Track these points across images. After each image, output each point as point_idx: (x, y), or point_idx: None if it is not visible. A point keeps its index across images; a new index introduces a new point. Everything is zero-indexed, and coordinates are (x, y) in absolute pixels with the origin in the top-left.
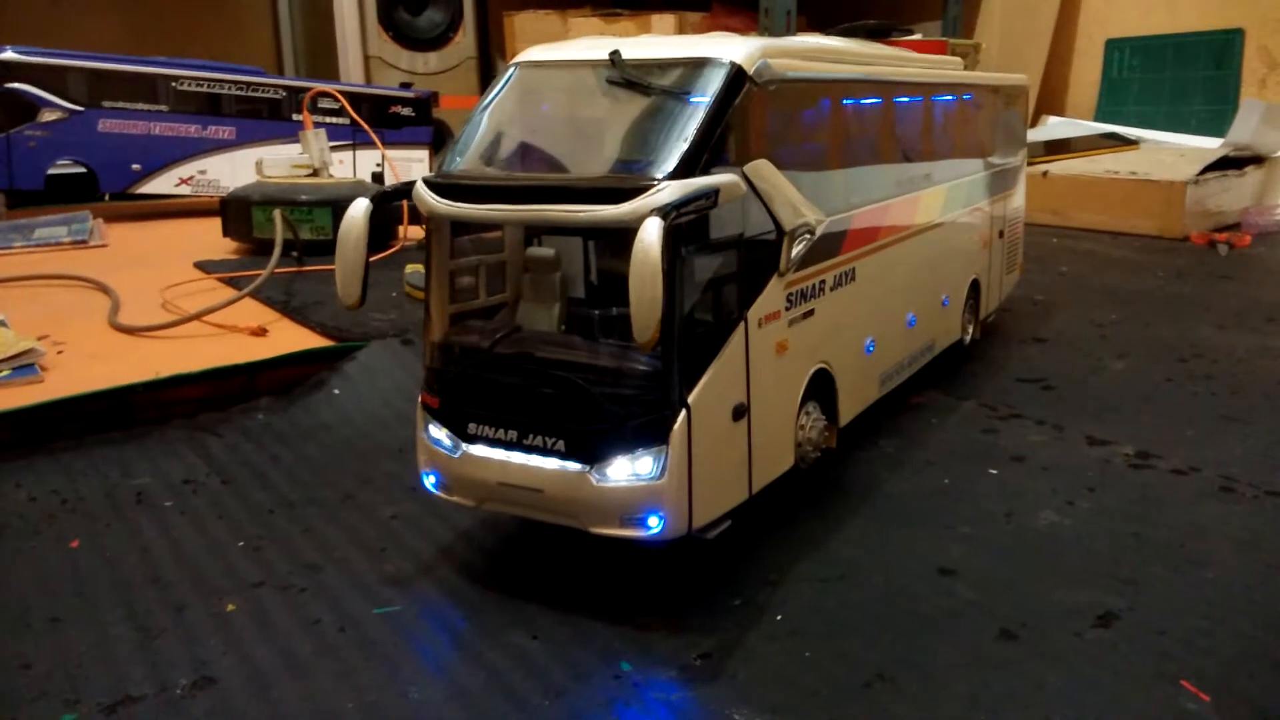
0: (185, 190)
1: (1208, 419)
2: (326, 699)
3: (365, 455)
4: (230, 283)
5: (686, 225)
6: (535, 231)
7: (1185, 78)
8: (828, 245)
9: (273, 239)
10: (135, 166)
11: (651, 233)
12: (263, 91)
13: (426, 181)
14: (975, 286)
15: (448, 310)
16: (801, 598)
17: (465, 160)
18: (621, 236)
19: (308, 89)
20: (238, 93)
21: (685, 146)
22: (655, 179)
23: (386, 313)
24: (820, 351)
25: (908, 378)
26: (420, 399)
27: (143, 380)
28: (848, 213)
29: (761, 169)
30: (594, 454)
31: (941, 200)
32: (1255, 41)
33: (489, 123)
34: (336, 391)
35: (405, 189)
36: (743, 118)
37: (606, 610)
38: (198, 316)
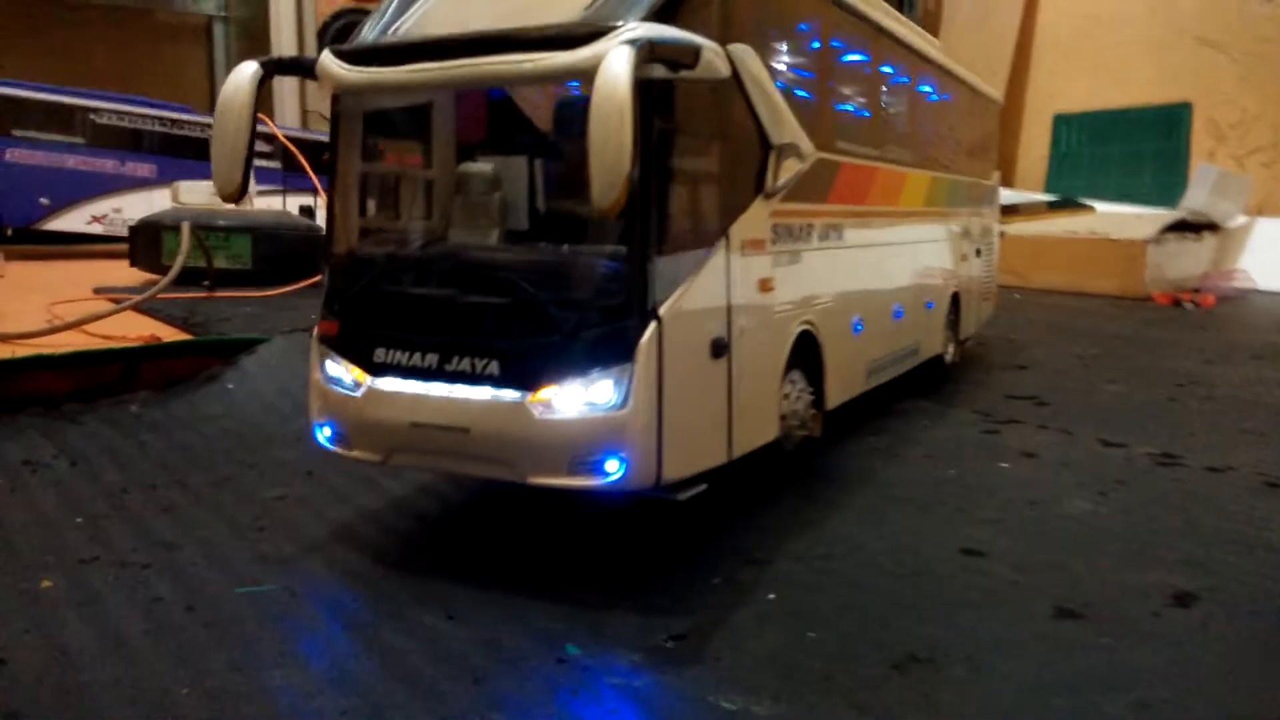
0: (97, 229)
1: (1225, 430)
2: (154, 681)
3: (254, 444)
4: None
5: (662, 89)
6: (468, 148)
7: (1134, 150)
8: (816, 185)
9: (186, 266)
10: (43, 201)
11: (619, 61)
12: (189, 130)
13: (335, 50)
14: (956, 302)
15: (355, 218)
16: (797, 577)
17: (384, 32)
18: (578, 164)
19: None
20: (162, 129)
21: None
22: (621, 24)
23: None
24: (807, 311)
25: (893, 378)
26: (316, 330)
27: None
28: (835, 156)
29: (748, 58)
30: (537, 377)
31: (925, 188)
32: (1203, 114)
33: None
34: (230, 386)
35: (308, 61)
36: None
37: (547, 588)
38: (79, 324)
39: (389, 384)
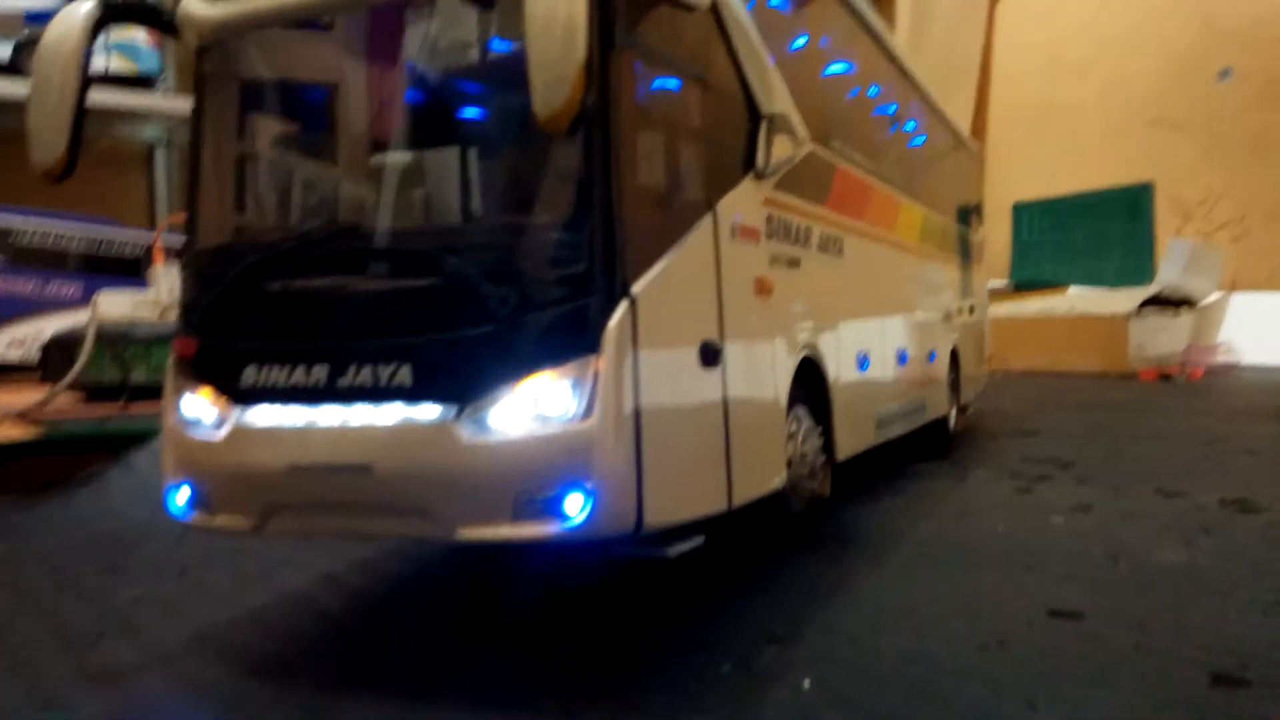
0: (15, 355)
1: None
2: None
3: (125, 544)
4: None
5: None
6: (387, 134)
7: (1098, 233)
8: (814, 183)
9: (104, 381)
10: None
11: None
12: (117, 248)
13: None
14: (955, 360)
15: (222, 207)
16: (836, 655)
17: None
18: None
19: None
20: (87, 247)
21: None
22: None
23: None
24: (809, 331)
25: (901, 435)
26: (170, 356)
27: None
28: (831, 156)
29: (735, 6)
30: (464, 384)
31: (920, 222)
32: (1166, 193)
33: None
34: (113, 484)
35: (151, 7)
36: None
37: (488, 700)
38: None
39: (262, 415)
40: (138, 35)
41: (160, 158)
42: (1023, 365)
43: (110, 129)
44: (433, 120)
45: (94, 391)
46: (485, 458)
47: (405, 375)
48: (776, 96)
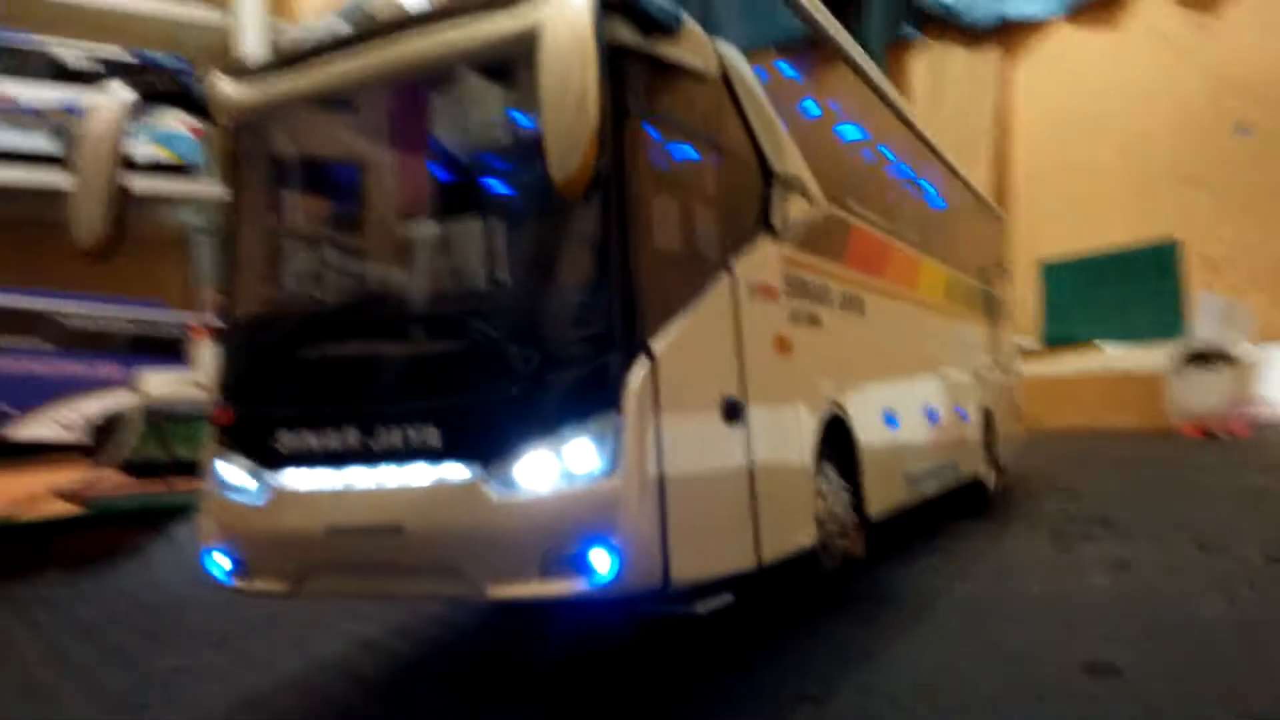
0: (62, 435)
1: None
2: None
3: (165, 613)
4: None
5: (639, 63)
6: (412, 205)
7: (1128, 291)
8: (832, 242)
9: (150, 458)
10: (3, 408)
11: (580, 3)
12: (162, 329)
13: (229, 69)
14: (990, 421)
15: (256, 279)
16: (874, 713)
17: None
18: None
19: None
20: (133, 330)
21: None
22: None
23: None
24: (834, 389)
25: (936, 495)
26: (210, 426)
27: None
28: (846, 215)
29: (742, 67)
30: (492, 444)
31: (943, 281)
32: (1193, 249)
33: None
34: (155, 557)
35: (196, 90)
36: None
37: None
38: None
39: (298, 478)
40: (179, 125)
41: (199, 241)
42: (1059, 424)
43: (153, 215)
44: (454, 190)
45: (140, 469)
46: (513, 516)
47: (434, 437)
48: (790, 159)
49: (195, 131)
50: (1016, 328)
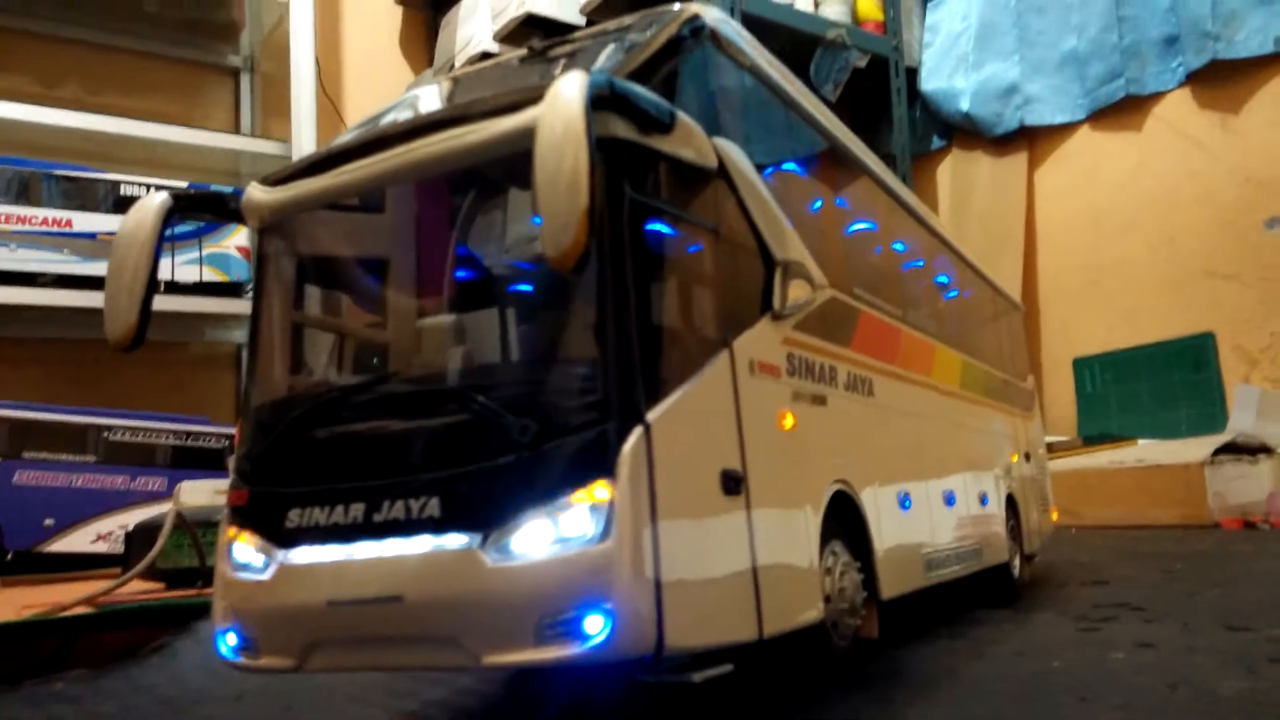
0: (101, 547)
1: None
2: None
3: (182, 706)
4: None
5: (637, 157)
6: (419, 292)
7: (1163, 384)
8: (837, 326)
9: (181, 567)
10: (48, 522)
11: (570, 85)
12: (204, 440)
13: (262, 179)
14: (1014, 508)
15: (276, 369)
16: None
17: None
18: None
19: None
20: (175, 442)
21: (619, 57)
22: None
23: None
24: (841, 466)
25: (958, 579)
26: (226, 504)
27: None
28: (852, 301)
29: (740, 161)
30: (488, 513)
31: (958, 369)
32: (1229, 342)
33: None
34: (178, 653)
35: (228, 197)
36: (702, 74)
37: None
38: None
39: (304, 555)
40: (229, 246)
41: (245, 356)
42: (1096, 520)
43: (202, 333)
44: (460, 277)
45: (174, 577)
46: (508, 581)
47: (434, 507)
48: (791, 247)
49: (243, 251)
50: (1051, 425)
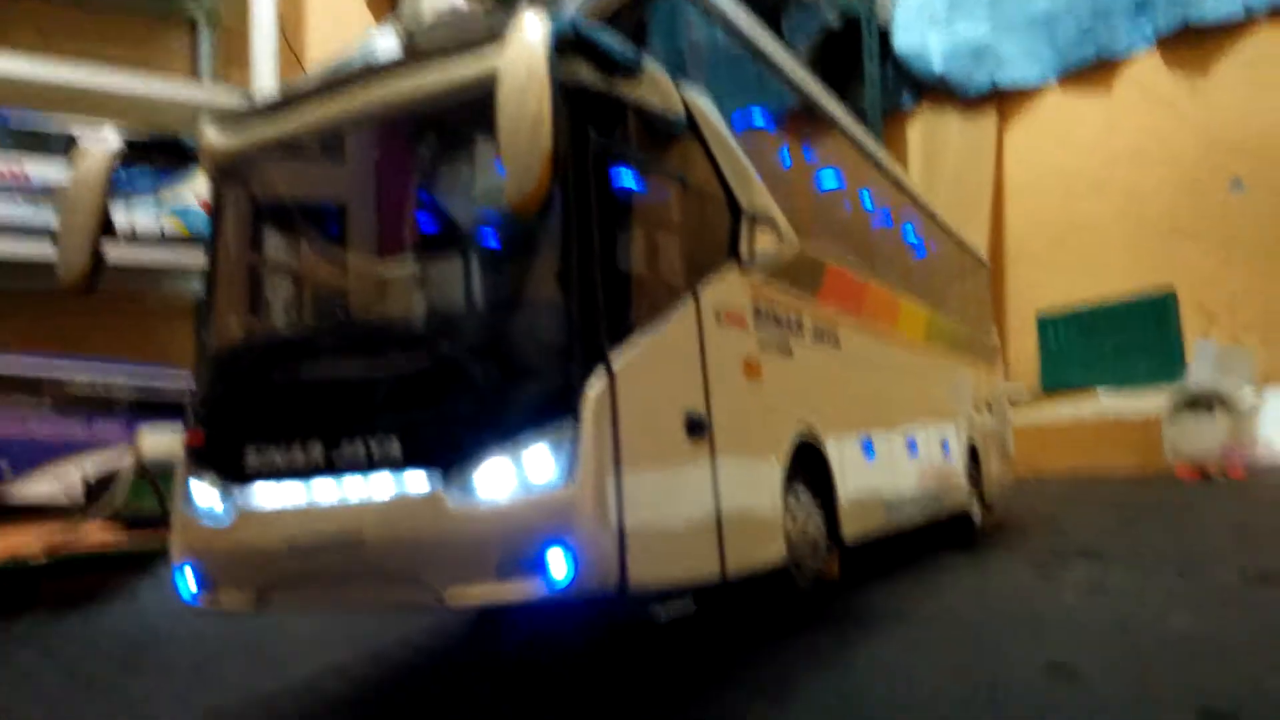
0: (51, 492)
1: None
2: None
3: (142, 645)
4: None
5: (595, 97)
6: (379, 233)
7: (1125, 340)
8: (806, 277)
9: (142, 513)
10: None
11: (533, 29)
12: (164, 390)
13: (215, 118)
14: (975, 456)
15: (232, 313)
16: (821, 706)
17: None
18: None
19: None
20: (134, 390)
21: (587, 4)
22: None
23: None
24: (805, 411)
25: (918, 526)
26: (181, 446)
27: None
28: (822, 254)
29: (708, 111)
30: (450, 453)
31: (923, 322)
32: (1189, 298)
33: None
34: (140, 596)
35: (170, 140)
36: (671, 24)
37: None
38: None
39: (263, 494)
40: (191, 198)
41: (203, 299)
42: (1055, 468)
43: (162, 284)
44: (421, 220)
45: (134, 522)
46: (471, 521)
47: (394, 447)
48: (758, 197)
49: (205, 206)
50: (1014, 376)
